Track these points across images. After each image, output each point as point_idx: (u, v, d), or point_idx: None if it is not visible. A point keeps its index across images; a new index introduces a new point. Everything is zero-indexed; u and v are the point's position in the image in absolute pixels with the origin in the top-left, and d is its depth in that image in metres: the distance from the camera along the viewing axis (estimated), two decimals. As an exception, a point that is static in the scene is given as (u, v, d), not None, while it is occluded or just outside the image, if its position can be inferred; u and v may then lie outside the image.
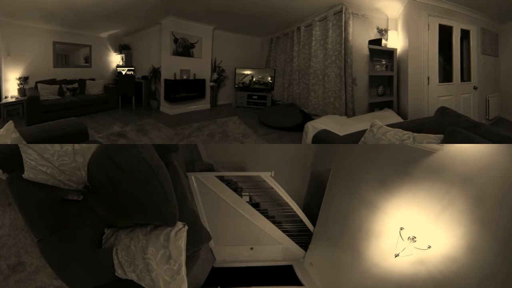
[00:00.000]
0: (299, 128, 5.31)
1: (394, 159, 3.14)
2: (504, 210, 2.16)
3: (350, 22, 5.69)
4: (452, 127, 2.65)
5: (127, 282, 2.36)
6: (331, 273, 4.17)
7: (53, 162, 2.31)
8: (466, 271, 2.36)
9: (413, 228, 2.79)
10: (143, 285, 2.28)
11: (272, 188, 4.49)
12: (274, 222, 4.74)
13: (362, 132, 3.14)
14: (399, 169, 3.05)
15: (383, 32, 5.84)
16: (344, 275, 3.87)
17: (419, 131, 2.94)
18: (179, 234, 2.20)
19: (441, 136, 2.69)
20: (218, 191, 4.43)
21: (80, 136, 3.12)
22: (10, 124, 2.58)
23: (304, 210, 4.76)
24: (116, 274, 2.36)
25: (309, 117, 6.15)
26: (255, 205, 4.79)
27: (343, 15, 5.63)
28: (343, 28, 5.65)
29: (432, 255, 2.63)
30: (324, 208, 4.50)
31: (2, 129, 2.54)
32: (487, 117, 5.91)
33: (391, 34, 5.81)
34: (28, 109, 6.10)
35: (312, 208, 4.82)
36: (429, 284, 2.68)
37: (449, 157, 2.59)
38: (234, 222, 4.61)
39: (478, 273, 2.28)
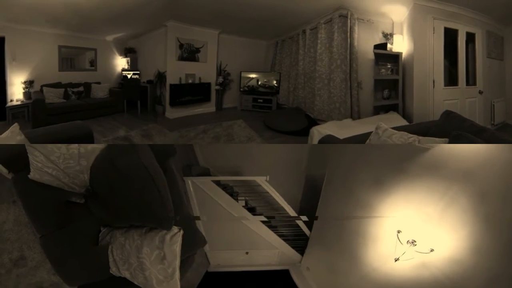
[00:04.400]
0: (305, 132, 5.29)
1: (389, 157, 3.08)
2: (508, 207, 2.12)
3: (356, 28, 5.70)
4: (457, 131, 2.63)
5: (120, 280, 2.38)
6: (328, 277, 4.13)
7: (58, 165, 2.33)
8: (472, 273, 2.33)
9: (411, 231, 2.73)
10: (135, 283, 2.30)
11: (267, 192, 4.45)
12: (270, 227, 4.68)
13: (367, 135, 3.13)
14: (394, 167, 2.97)
15: (388, 36, 5.84)
16: (342, 279, 3.82)
17: (424, 134, 2.92)
18: (175, 239, 2.22)
19: (446, 140, 2.68)
20: (214, 195, 4.42)
21: (85, 140, 3.12)
22: (15, 127, 2.59)
23: (300, 214, 4.71)
24: (111, 272, 2.37)
25: (314, 122, 6.13)
26: (251, 210, 4.75)
27: (349, 21, 5.64)
28: (349, 33, 5.66)
29: (436, 258, 2.59)
30: (320, 212, 4.45)
31: (7, 131, 2.55)
32: (492, 123, 5.86)
33: (396, 38, 5.80)
34: (34, 112, 6.12)
35: (308, 211, 4.77)
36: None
37: (449, 152, 2.55)
38: (229, 227, 4.58)
39: (484, 274, 2.25)
